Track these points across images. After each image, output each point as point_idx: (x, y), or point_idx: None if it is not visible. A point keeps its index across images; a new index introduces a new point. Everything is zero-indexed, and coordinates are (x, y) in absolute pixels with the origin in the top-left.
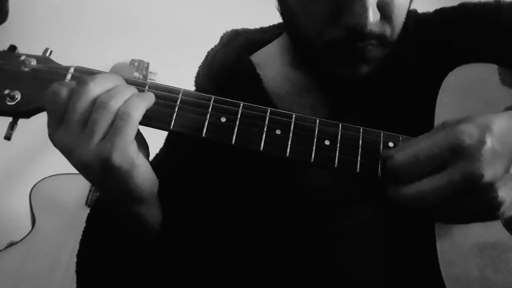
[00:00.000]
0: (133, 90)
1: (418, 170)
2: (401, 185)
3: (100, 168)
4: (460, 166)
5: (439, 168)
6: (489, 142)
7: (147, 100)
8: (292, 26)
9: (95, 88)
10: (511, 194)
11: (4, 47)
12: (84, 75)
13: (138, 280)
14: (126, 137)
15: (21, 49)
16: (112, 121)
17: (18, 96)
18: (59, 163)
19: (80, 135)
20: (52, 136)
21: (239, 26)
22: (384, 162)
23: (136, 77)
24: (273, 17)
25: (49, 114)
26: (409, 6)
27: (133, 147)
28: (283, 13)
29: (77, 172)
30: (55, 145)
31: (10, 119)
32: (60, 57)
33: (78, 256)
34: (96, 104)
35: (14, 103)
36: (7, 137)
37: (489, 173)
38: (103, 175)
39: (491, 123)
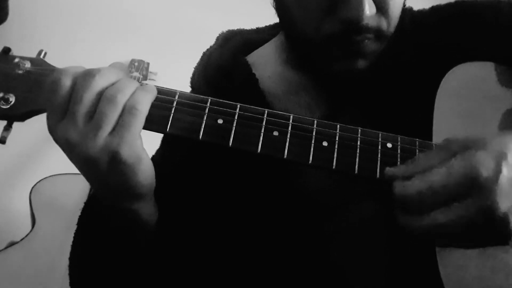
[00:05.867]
0: (136, 83)
1: (431, 201)
2: (413, 215)
3: (106, 162)
4: (477, 199)
5: (454, 199)
6: (505, 172)
7: (151, 93)
8: (287, 22)
9: (101, 81)
10: None
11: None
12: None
13: (132, 280)
14: (134, 131)
15: (20, 49)
16: (119, 115)
17: (12, 99)
18: (59, 163)
19: (86, 128)
20: (53, 129)
21: (239, 26)
22: (388, 181)
23: (136, 77)
24: (271, 18)
25: (50, 106)
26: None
27: (140, 142)
28: (278, 9)
29: (77, 172)
30: (57, 138)
31: (5, 122)
32: (60, 57)
33: (70, 258)
34: (104, 97)
35: (8, 106)
36: (2, 141)
37: (505, 205)
38: (108, 170)
39: (506, 150)
